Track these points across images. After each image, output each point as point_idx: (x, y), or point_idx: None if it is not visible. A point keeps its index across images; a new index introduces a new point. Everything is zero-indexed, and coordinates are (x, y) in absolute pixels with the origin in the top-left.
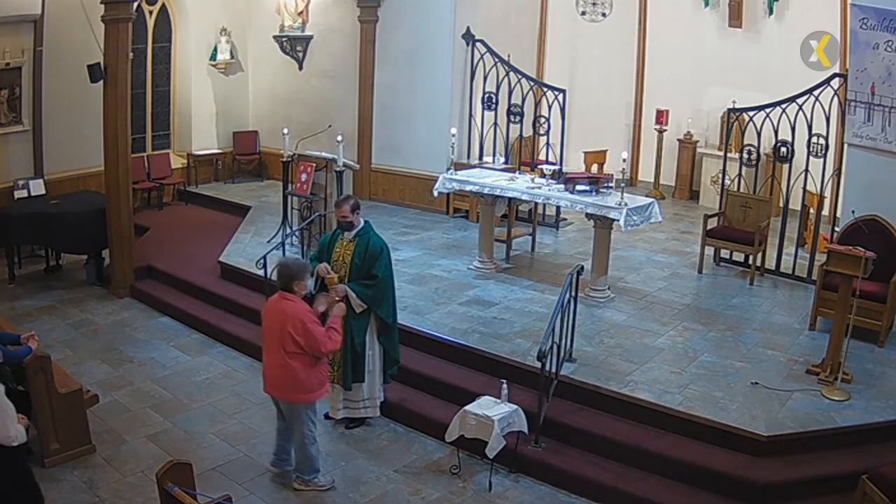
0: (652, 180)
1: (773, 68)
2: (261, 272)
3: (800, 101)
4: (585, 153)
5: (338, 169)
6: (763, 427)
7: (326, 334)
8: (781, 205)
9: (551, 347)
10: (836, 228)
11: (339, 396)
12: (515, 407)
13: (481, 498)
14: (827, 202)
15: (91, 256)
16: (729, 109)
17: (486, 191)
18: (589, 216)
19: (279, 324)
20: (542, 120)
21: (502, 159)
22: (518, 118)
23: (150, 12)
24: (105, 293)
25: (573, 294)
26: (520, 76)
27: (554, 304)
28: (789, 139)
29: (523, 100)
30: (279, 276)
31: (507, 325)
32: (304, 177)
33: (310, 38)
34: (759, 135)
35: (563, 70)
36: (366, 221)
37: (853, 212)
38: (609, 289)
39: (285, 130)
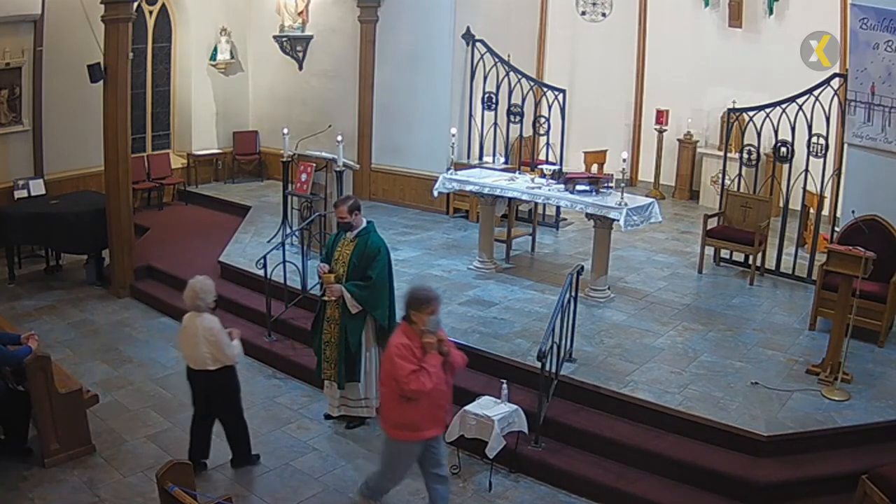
0: (652, 180)
1: (773, 68)
2: (261, 272)
3: (800, 101)
4: (585, 153)
5: (338, 169)
6: (763, 427)
7: (413, 373)
8: (781, 205)
9: (551, 347)
10: (836, 228)
11: (336, 394)
12: (515, 407)
13: (481, 498)
14: (827, 202)
15: (91, 256)
16: (729, 109)
17: (486, 191)
18: (589, 216)
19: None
20: (542, 120)
21: (502, 159)
22: (518, 118)
23: (150, 12)
24: (105, 293)
25: (573, 294)
26: (520, 76)
27: (554, 304)
28: (789, 139)
29: (523, 100)
30: (405, 300)
31: (507, 325)
32: (304, 177)
33: (310, 38)
34: (759, 135)
35: (563, 70)
36: (369, 222)
37: (853, 212)
38: (609, 289)
39: (285, 130)
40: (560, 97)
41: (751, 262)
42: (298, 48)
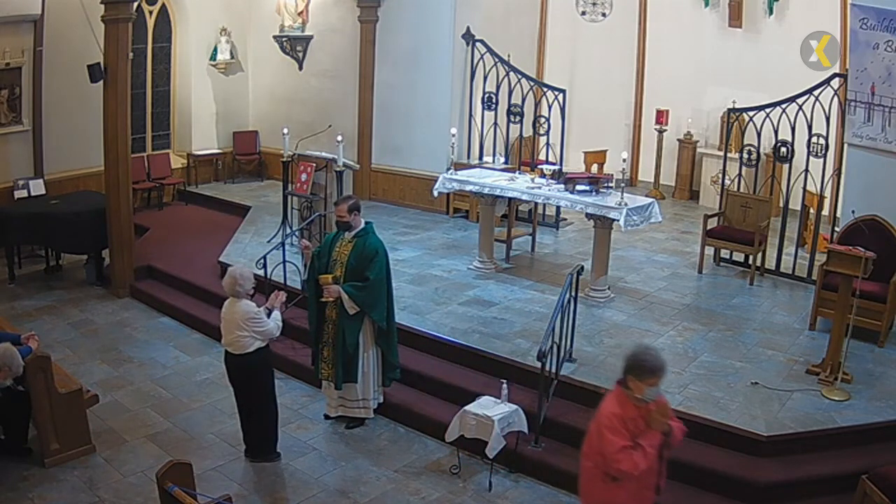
0: (652, 180)
1: (773, 68)
2: (261, 272)
3: (800, 101)
4: (585, 153)
5: (338, 169)
6: (763, 427)
7: (624, 450)
8: (781, 205)
9: (551, 347)
10: (836, 228)
11: (334, 395)
12: (515, 407)
13: (481, 498)
14: (827, 202)
15: (91, 256)
16: (729, 109)
17: (486, 191)
18: (589, 216)
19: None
20: (542, 120)
21: (502, 159)
22: (518, 118)
23: (150, 12)
24: (105, 293)
25: (573, 294)
26: (520, 76)
27: (554, 304)
28: (789, 139)
29: (523, 100)
30: (624, 360)
31: (507, 325)
32: (304, 177)
33: (310, 38)
34: (759, 135)
35: (563, 70)
36: (368, 223)
37: (853, 212)
38: (609, 289)
39: (285, 130)
40: (560, 97)
41: (751, 262)
42: (298, 48)
